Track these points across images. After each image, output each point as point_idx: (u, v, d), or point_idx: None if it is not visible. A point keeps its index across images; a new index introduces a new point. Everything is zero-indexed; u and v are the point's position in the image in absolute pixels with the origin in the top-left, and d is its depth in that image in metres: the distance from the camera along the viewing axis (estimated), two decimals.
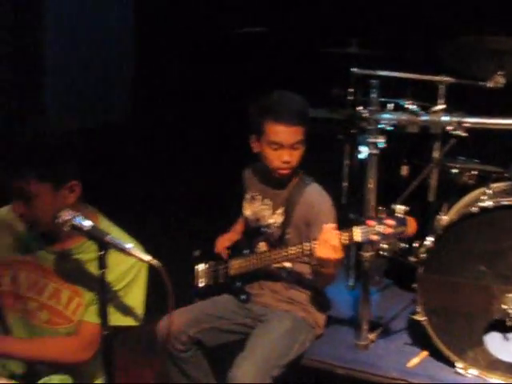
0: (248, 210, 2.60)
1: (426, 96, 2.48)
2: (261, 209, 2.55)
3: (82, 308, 1.84)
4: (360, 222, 2.13)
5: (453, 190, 2.59)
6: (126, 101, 3.29)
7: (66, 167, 1.77)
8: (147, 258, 1.63)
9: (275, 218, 2.50)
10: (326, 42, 2.82)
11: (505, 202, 2.26)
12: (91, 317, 1.82)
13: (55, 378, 1.64)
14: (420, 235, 2.32)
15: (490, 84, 2.39)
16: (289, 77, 3.07)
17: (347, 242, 2.12)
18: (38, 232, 1.86)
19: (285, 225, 2.46)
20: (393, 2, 3.18)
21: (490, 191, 2.38)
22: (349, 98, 2.98)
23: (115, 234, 1.77)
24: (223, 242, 2.64)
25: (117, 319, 1.80)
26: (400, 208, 2.04)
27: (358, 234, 2.09)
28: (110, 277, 1.74)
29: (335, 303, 2.83)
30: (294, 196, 2.45)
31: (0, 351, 1.76)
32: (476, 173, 2.63)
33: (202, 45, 3.39)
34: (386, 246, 2.24)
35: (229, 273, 2.54)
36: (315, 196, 2.45)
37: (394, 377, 2.36)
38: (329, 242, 2.11)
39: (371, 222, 2.07)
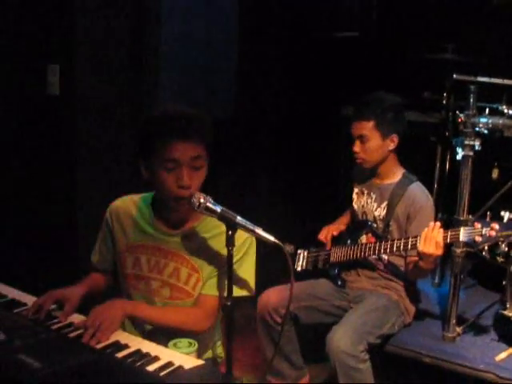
0: (355, 203, 2.85)
1: None
2: (367, 202, 2.79)
3: (200, 283, 2.01)
4: (463, 223, 2.32)
5: None
6: (230, 101, 3.56)
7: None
8: (272, 238, 1.78)
9: (379, 212, 2.73)
10: (423, 47, 2.97)
11: None
12: (210, 290, 1.99)
13: (184, 341, 1.84)
14: None
15: None
16: (386, 81, 3.26)
17: (452, 240, 2.33)
18: (160, 215, 2.03)
19: (388, 218, 2.68)
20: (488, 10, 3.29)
21: None
22: (443, 101, 3.12)
23: None
24: (329, 231, 2.88)
25: (234, 291, 1.90)
26: (507, 214, 2.26)
27: (463, 233, 2.29)
28: (223, 252, 1.87)
29: (424, 298, 3.03)
30: (397, 191, 2.67)
31: (134, 314, 1.93)
32: None
33: (300, 48, 3.62)
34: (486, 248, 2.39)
35: (330, 260, 2.79)
36: (417, 193, 2.66)
37: (482, 369, 2.51)
38: (434, 239, 2.33)
39: (478, 224, 2.26)
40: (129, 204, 2.12)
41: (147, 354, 1.64)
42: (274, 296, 2.67)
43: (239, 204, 2.07)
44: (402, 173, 2.70)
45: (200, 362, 1.65)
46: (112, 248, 2.12)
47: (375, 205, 2.73)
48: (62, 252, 2.79)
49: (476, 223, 2.25)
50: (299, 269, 2.89)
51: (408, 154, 3.12)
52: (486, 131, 2.54)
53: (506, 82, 2.60)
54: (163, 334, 1.91)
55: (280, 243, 1.77)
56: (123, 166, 2.97)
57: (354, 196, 2.84)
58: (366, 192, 2.78)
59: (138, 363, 1.59)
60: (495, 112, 2.58)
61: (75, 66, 2.91)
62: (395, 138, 2.65)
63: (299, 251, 2.90)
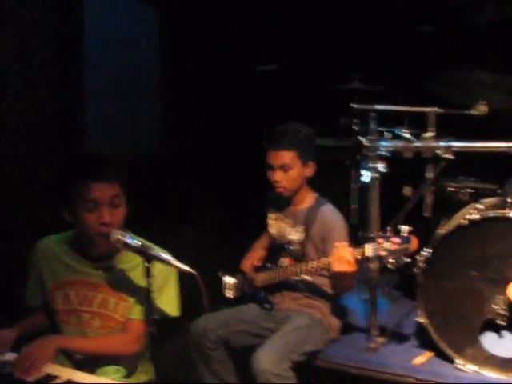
0: (272, 228, 3.08)
1: (420, 124, 2.91)
2: (282, 227, 3.02)
3: (127, 310, 2.23)
4: (369, 239, 2.59)
5: (449, 207, 3.00)
6: (155, 137, 3.79)
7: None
8: (185, 267, 2.02)
9: (295, 235, 2.96)
10: (332, 77, 3.28)
11: (491, 214, 2.68)
12: (136, 314, 2.20)
13: (112, 368, 2.02)
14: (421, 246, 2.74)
15: (474, 112, 2.82)
16: (300, 110, 3.57)
17: (359, 256, 2.57)
18: (84, 251, 2.23)
19: (304, 241, 2.93)
20: (389, 44, 3.66)
21: (482, 206, 2.79)
22: (354, 127, 3.43)
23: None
24: (250, 263, 3.09)
25: (157, 314, 2.19)
26: (404, 228, 2.50)
27: (369, 250, 2.54)
28: (145, 282, 2.08)
29: (351, 313, 3.31)
30: (310, 215, 2.93)
31: (65, 347, 2.11)
32: (470, 190, 3.05)
33: (222, 79, 3.90)
34: (392, 261, 2.65)
35: (255, 285, 3.00)
36: (329, 215, 2.92)
37: (400, 373, 2.77)
38: (343, 258, 2.56)
39: (380, 240, 2.52)
40: (53, 243, 2.32)
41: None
42: (202, 324, 2.85)
43: (164, 237, 2.30)
44: (314, 197, 2.97)
45: None
46: (41, 286, 2.30)
47: (291, 229, 2.97)
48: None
49: (378, 239, 2.51)
50: (228, 295, 3.09)
51: (326, 177, 3.44)
52: (388, 154, 2.83)
53: (400, 108, 2.91)
54: (93, 361, 2.09)
55: (193, 271, 2.01)
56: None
57: (270, 221, 3.08)
58: (281, 217, 3.03)
59: None
60: (397, 136, 2.88)
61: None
62: (312, 164, 2.92)
63: (225, 279, 3.08)
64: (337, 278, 2.72)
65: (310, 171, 2.92)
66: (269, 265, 3.01)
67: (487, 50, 3.37)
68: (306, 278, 2.94)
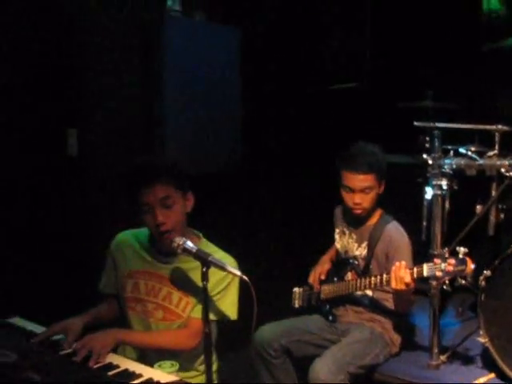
0: (338, 243, 3.21)
1: (491, 142, 2.93)
2: (348, 242, 3.15)
3: (189, 306, 2.43)
4: (430, 258, 2.66)
5: None
6: (236, 152, 4.02)
7: (187, 180, 2.44)
8: (238, 273, 2.20)
9: (360, 251, 3.08)
10: (406, 95, 3.36)
11: None
12: (197, 313, 2.37)
13: (167, 363, 2.22)
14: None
15: None
16: (375, 128, 3.68)
17: (417, 276, 2.65)
18: (154, 246, 2.48)
19: (368, 257, 3.04)
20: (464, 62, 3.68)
21: None
22: (427, 145, 3.48)
23: (212, 250, 2.40)
24: (317, 275, 3.22)
25: (214, 316, 2.40)
26: (461, 250, 2.56)
27: (426, 270, 2.62)
28: (208, 285, 2.24)
29: (418, 330, 3.36)
30: (375, 232, 3.03)
31: (129, 341, 2.38)
32: None
33: (302, 98, 4.08)
34: (447, 282, 2.71)
35: (320, 297, 3.14)
36: (394, 233, 3.01)
37: None
38: (402, 278, 2.66)
39: (437, 261, 2.60)
40: (129, 236, 2.59)
41: (133, 373, 2.02)
42: (266, 332, 3.02)
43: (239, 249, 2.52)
44: (379, 213, 3.06)
45: (177, 378, 2.03)
46: (115, 274, 2.56)
47: (356, 245, 3.09)
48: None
49: (435, 260, 2.59)
50: (296, 306, 3.27)
51: (400, 194, 3.52)
52: (451, 171, 2.88)
53: (465, 126, 2.93)
54: (154, 355, 2.30)
55: (245, 278, 2.18)
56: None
57: (337, 236, 3.21)
58: (347, 232, 3.15)
59: (124, 379, 1.98)
60: (460, 154, 2.92)
61: (91, 130, 3.44)
62: (384, 183, 3.01)
63: (294, 289, 3.27)
64: (395, 294, 2.84)
65: (382, 189, 3.02)
66: (335, 278, 3.13)
67: None
68: (369, 292, 3.05)
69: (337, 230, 3.22)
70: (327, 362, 2.74)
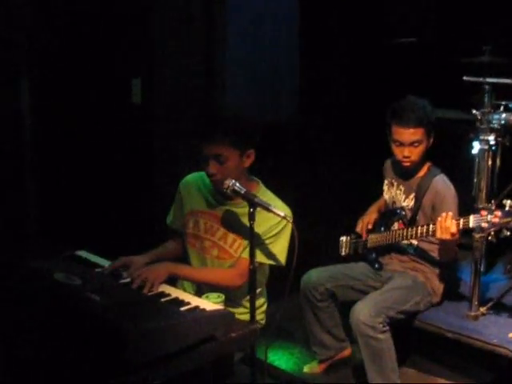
0: (386, 194, 3.37)
1: None
2: (396, 193, 3.29)
3: (241, 248, 2.66)
4: (476, 211, 2.78)
5: None
6: (293, 104, 4.18)
7: (249, 138, 2.62)
8: (282, 213, 2.41)
9: (408, 202, 3.23)
10: (465, 51, 3.40)
11: None
12: (247, 254, 2.52)
13: (214, 294, 2.46)
14: None
15: None
16: (432, 83, 3.75)
17: (462, 226, 2.78)
18: (217, 190, 2.69)
19: (415, 208, 3.18)
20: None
21: None
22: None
23: (268, 197, 2.62)
24: (363, 224, 3.38)
25: (264, 259, 2.62)
26: (508, 202, 2.67)
27: (472, 221, 2.74)
28: (262, 229, 2.55)
29: (463, 283, 3.47)
30: (423, 184, 3.16)
31: (180, 274, 2.62)
32: None
33: (360, 51, 4.17)
34: (493, 233, 2.83)
35: (367, 245, 3.32)
36: (441, 185, 3.13)
37: (495, 343, 2.95)
38: (447, 228, 2.80)
39: (484, 212, 2.71)
40: (197, 178, 2.84)
41: (182, 300, 2.26)
42: (313, 276, 3.24)
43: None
44: (427, 166, 3.18)
45: (221, 307, 2.27)
46: (181, 211, 2.82)
47: (404, 196, 3.23)
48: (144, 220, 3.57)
49: (482, 211, 2.70)
50: (343, 253, 3.45)
51: (452, 149, 3.60)
52: (499, 127, 2.95)
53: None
54: (209, 291, 2.48)
55: (287, 217, 2.40)
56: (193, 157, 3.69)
57: (385, 187, 3.35)
58: (395, 184, 3.28)
59: (174, 305, 2.24)
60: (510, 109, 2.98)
61: (154, 79, 3.67)
62: (433, 136, 3.11)
63: (342, 238, 3.44)
64: (440, 244, 2.97)
65: (431, 143, 3.13)
66: (382, 228, 3.29)
67: None
68: (415, 242, 3.19)
69: (385, 182, 3.37)
70: (368, 305, 2.93)
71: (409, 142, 3.04)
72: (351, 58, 4.14)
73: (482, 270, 3.67)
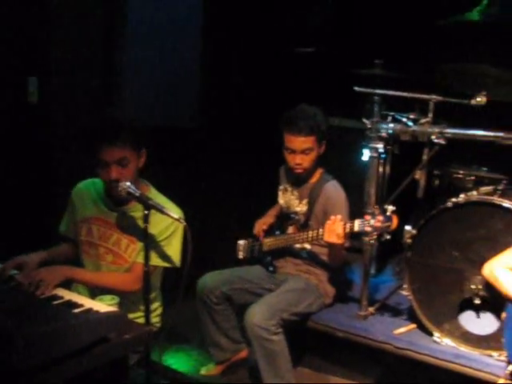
0: (281, 199, 3.49)
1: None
2: (290, 199, 3.43)
3: (135, 252, 2.71)
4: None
5: (454, 192, 3.25)
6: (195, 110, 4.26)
7: (143, 137, 2.67)
8: (176, 216, 2.46)
9: (301, 207, 3.37)
10: (358, 63, 3.60)
11: (474, 198, 2.98)
12: (141, 258, 2.57)
13: (108, 296, 2.47)
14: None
15: (473, 102, 3.05)
16: (330, 92, 3.96)
17: (348, 230, 2.93)
18: (109, 195, 2.73)
19: (308, 213, 3.33)
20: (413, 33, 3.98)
21: (475, 192, 3.08)
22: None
23: (160, 199, 2.66)
24: (260, 226, 3.50)
25: (158, 262, 2.68)
26: (388, 208, 2.85)
27: (357, 225, 2.89)
28: (155, 231, 2.62)
29: (354, 285, 3.68)
30: (315, 190, 3.32)
31: (77, 278, 2.63)
32: (474, 178, 3.31)
33: (260, 59, 4.31)
34: (374, 237, 3.03)
35: (262, 248, 3.42)
36: (332, 191, 3.29)
37: (381, 340, 3.14)
38: (335, 231, 2.94)
39: (367, 217, 2.88)
40: (88, 185, 2.86)
41: (75, 303, 2.26)
42: (209, 279, 3.31)
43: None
44: (320, 173, 3.34)
45: (115, 309, 2.30)
46: (73, 219, 2.83)
47: (297, 201, 3.37)
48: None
49: (366, 216, 2.87)
50: (240, 257, 3.53)
51: (347, 156, 3.79)
52: (387, 136, 3.15)
53: (402, 94, 3.17)
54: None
55: (182, 220, 2.46)
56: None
57: (280, 193, 3.49)
58: (289, 189, 3.42)
59: (66, 307, 2.24)
60: (396, 121, 3.21)
61: (51, 78, 3.63)
62: (324, 143, 3.26)
63: (239, 242, 3.52)
64: (329, 248, 3.14)
65: (322, 150, 3.28)
66: (277, 232, 3.42)
67: (492, 45, 3.61)
68: (307, 246, 3.33)
69: (280, 187, 3.50)
70: (261, 308, 3.04)
71: (300, 150, 3.18)
72: (251, 64, 4.26)
73: (372, 272, 3.94)
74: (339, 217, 2.98)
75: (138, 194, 2.49)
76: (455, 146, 3.22)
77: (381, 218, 2.82)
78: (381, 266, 4.04)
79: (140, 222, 2.63)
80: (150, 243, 2.56)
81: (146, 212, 2.43)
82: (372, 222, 2.84)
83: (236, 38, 4.20)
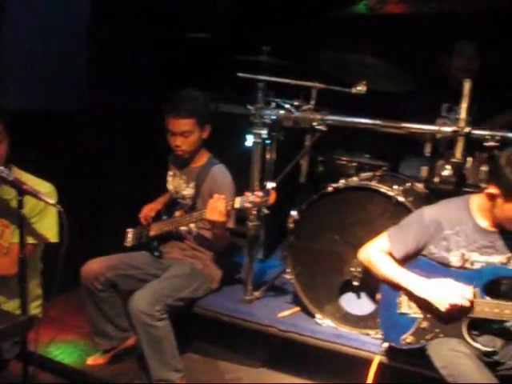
0: (171, 185, 3.50)
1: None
2: (179, 183, 3.44)
3: (10, 235, 2.64)
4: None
5: (336, 178, 3.36)
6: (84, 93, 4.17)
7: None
8: (51, 201, 2.43)
9: (188, 191, 3.39)
10: (245, 50, 3.63)
11: (353, 183, 3.09)
12: (16, 238, 2.54)
13: None
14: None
15: (353, 91, 3.17)
16: (219, 78, 3.98)
17: (230, 207, 2.97)
18: None
19: (195, 196, 3.35)
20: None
21: (357, 178, 3.19)
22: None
23: (26, 178, 2.61)
24: (148, 211, 3.51)
25: (32, 240, 2.63)
26: (268, 184, 2.91)
27: (237, 201, 2.94)
28: (24, 210, 2.47)
29: (242, 269, 3.66)
30: (202, 173, 3.34)
31: None
32: (357, 165, 3.43)
33: (154, 43, 4.27)
34: (254, 212, 3.12)
35: (149, 234, 3.41)
36: (219, 174, 3.33)
37: (265, 324, 3.21)
38: (217, 208, 2.97)
39: (247, 193, 2.93)
40: None
41: None
42: (94, 266, 3.24)
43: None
44: (207, 157, 3.37)
45: None
46: None
47: (185, 185, 3.38)
48: None
49: (246, 192, 2.91)
50: (128, 244, 3.51)
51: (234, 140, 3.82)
52: (270, 122, 3.21)
53: (285, 81, 3.24)
54: None
55: (57, 206, 2.42)
56: None
57: (169, 178, 3.49)
58: (178, 174, 3.43)
59: None
60: (280, 107, 3.27)
61: None
62: (208, 128, 3.29)
63: (128, 229, 3.51)
64: (212, 228, 3.16)
65: (206, 134, 3.30)
66: (164, 217, 3.42)
67: (374, 38, 3.78)
68: (194, 229, 3.35)
69: (170, 173, 3.50)
70: (145, 294, 3.02)
71: (180, 132, 3.22)
72: (142, 47, 4.20)
73: (261, 256, 4.01)
74: (222, 196, 3.02)
75: (11, 179, 2.42)
76: (342, 134, 3.33)
77: (260, 193, 2.88)
78: (270, 251, 4.12)
79: (12, 204, 2.58)
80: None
81: (20, 198, 2.37)
82: (251, 198, 2.89)
83: (128, 21, 4.13)
